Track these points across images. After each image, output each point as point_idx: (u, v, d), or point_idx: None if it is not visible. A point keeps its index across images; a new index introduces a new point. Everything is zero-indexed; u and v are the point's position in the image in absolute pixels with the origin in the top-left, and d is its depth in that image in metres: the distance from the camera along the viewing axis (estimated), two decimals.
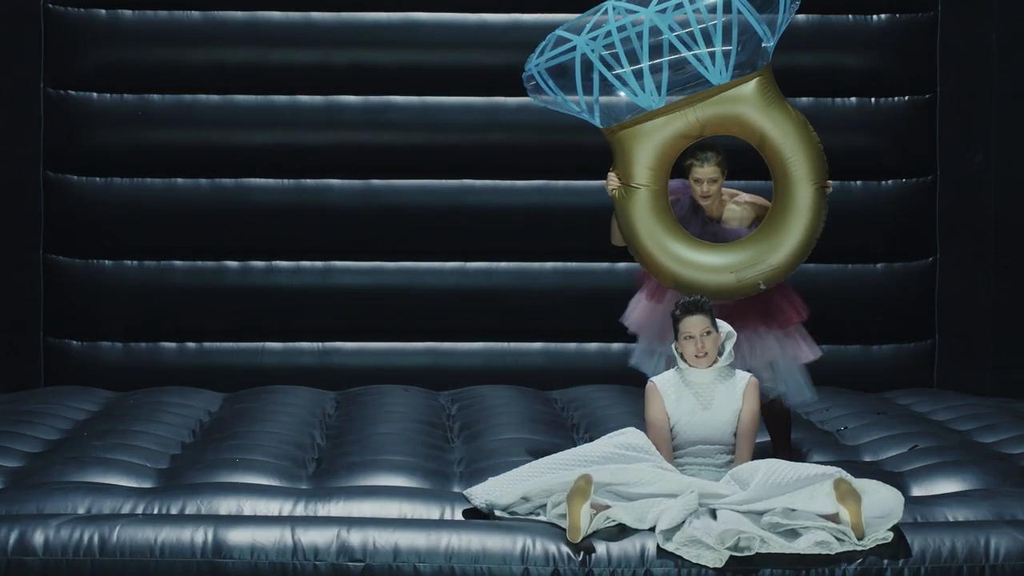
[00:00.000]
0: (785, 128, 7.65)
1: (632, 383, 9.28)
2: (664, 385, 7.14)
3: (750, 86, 7.65)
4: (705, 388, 7.09)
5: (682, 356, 7.13)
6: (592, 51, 7.61)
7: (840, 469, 6.64)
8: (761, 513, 6.56)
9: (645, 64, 7.61)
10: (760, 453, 7.41)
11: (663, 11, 7.59)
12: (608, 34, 7.63)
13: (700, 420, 7.06)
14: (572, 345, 10.32)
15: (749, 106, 7.66)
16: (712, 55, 7.56)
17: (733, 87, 7.63)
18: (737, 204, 7.89)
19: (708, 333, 7.07)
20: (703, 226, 7.86)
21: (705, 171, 7.75)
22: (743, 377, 7.15)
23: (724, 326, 7.19)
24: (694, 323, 7.06)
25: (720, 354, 7.12)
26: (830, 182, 7.71)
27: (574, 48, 7.65)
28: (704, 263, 7.66)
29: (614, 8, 7.68)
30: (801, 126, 7.68)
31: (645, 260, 7.73)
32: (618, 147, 7.73)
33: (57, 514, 6.72)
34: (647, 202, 7.67)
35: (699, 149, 7.76)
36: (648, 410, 7.12)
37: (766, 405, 7.89)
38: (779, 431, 8.01)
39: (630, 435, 6.99)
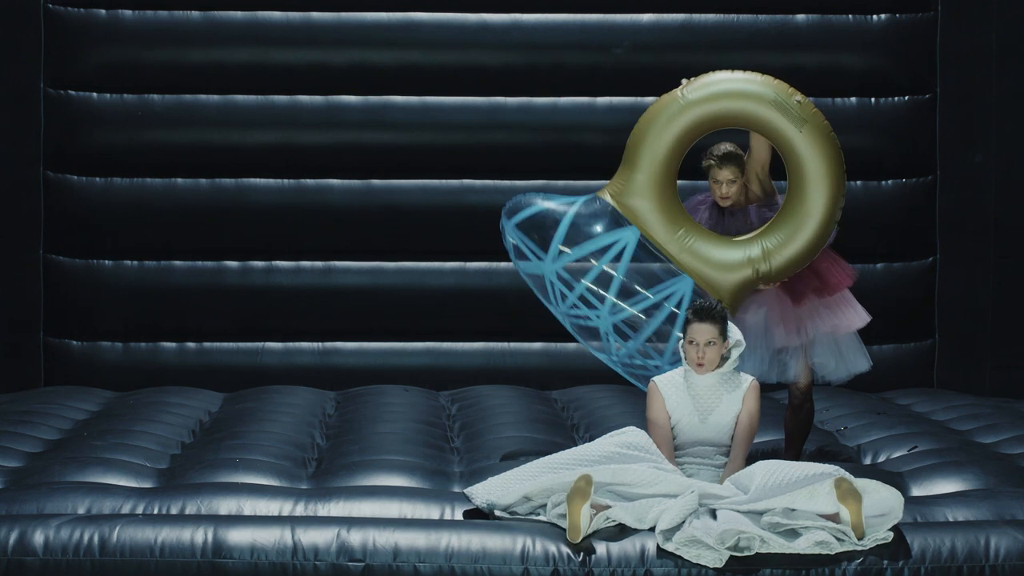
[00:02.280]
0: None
1: (632, 383, 9.28)
2: (665, 384, 7.14)
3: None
4: (707, 391, 7.08)
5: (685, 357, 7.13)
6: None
7: (840, 468, 6.64)
8: (761, 513, 6.55)
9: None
10: (761, 455, 7.41)
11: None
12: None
13: (699, 422, 7.05)
14: (572, 345, 10.31)
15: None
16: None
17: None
18: (747, 182, 7.88)
19: (711, 343, 7.03)
20: (732, 219, 7.84)
21: (724, 173, 7.74)
22: (745, 380, 7.14)
23: (735, 334, 7.15)
24: (700, 331, 7.04)
25: (726, 359, 7.11)
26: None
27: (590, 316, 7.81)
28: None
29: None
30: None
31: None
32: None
33: (57, 514, 6.72)
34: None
35: (717, 152, 7.75)
36: (649, 409, 7.12)
37: (795, 406, 7.89)
38: (796, 434, 7.96)
39: (630, 434, 6.99)
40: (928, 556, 6.53)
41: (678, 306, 7.66)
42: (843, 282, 7.89)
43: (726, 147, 7.74)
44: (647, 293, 7.71)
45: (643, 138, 7.72)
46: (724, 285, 7.65)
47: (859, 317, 7.91)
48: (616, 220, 7.75)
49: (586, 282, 7.75)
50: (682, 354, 7.13)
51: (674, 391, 7.10)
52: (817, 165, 7.62)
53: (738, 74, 7.72)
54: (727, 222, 7.85)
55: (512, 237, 7.89)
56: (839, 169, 7.66)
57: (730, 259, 7.66)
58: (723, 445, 7.07)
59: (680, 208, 7.76)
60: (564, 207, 7.81)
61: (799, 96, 7.66)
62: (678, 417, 7.07)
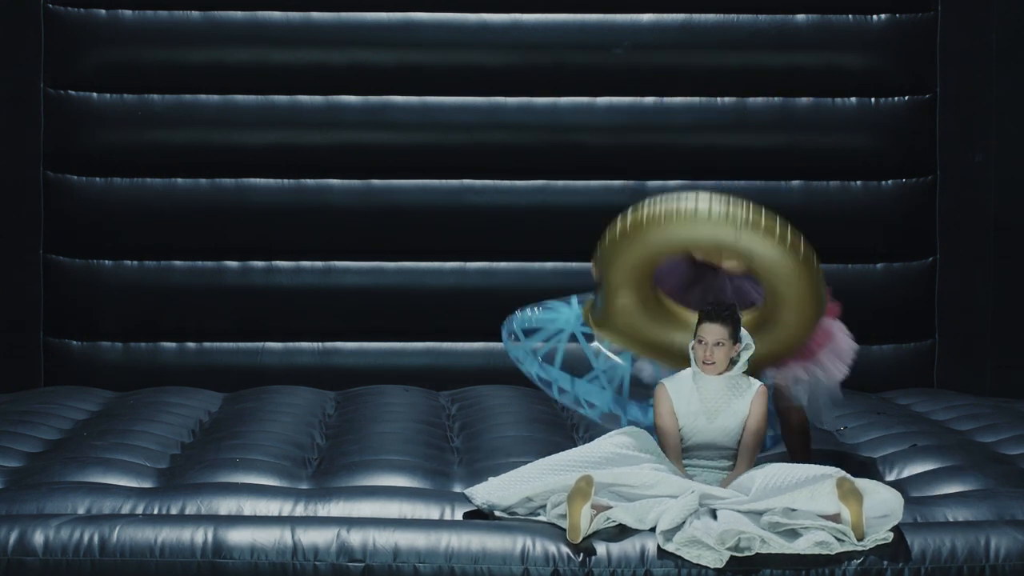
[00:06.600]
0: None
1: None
2: (674, 386, 7.11)
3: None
4: (715, 395, 7.05)
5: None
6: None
7: (840, 469, 6.65)
8: (761, 513, 6.56)
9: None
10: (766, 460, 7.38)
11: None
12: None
13: (705, 426, 7.03)
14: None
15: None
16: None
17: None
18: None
19: (720, 344, 6.99)
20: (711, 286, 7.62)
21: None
22: (754, 385, 7.11)
23: (745, 337, 7.13)
24: (710, 330, 6.99)
25: (735, 362, 7.08)
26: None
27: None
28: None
29: None
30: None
31: None
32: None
33: (57, 514, 6.72)
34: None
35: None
36: (658, 415, 7.07)
37: (784, 412, 7.78)
38: (798, 442, 7.81)
39: (630, 432, 6.98)
40: (928, 556, 6.53)
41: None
42: (831, 309, 7.66)
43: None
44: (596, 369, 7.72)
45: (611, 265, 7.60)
46: None
47: (837, 371, 7.62)
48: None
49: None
50: (691, 354, 7.11)
51: (683, 392, 7.07)
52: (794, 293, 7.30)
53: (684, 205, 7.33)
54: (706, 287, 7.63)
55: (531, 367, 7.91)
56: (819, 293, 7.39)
57: None
58: (729, 449, 7.05)
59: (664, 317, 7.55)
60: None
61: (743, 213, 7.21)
62: (686, 419, 7.04)
